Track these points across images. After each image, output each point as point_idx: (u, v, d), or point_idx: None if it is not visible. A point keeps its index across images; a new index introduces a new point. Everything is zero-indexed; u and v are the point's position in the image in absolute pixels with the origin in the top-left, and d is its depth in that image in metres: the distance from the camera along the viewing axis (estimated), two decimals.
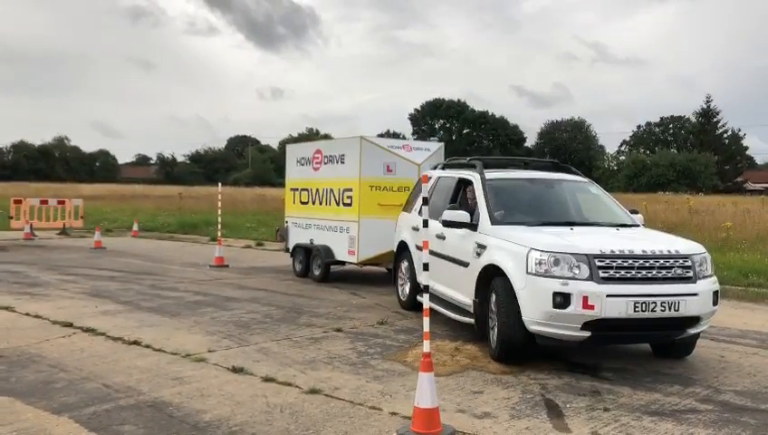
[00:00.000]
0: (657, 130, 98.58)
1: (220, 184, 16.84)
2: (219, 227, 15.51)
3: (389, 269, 12.71)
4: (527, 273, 6.20)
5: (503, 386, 5.90)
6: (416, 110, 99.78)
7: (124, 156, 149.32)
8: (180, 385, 5.72)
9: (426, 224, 4.83)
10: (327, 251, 12.06)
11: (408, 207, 9.98)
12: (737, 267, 12.97)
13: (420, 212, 9.37)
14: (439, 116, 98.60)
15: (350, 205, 11.56)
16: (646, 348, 7.35)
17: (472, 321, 7.24)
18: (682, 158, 73.55)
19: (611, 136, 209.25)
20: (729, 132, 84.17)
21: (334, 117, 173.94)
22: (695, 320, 6.26)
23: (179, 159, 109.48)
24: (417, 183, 10.21)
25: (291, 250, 13.36)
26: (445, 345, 7.16)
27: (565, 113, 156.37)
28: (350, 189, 11.54)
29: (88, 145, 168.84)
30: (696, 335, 6.69)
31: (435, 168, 10.05)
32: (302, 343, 7.32)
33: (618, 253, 6.12)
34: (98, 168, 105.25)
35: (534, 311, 6.12)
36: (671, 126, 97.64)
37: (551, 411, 5.24)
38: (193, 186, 64.41)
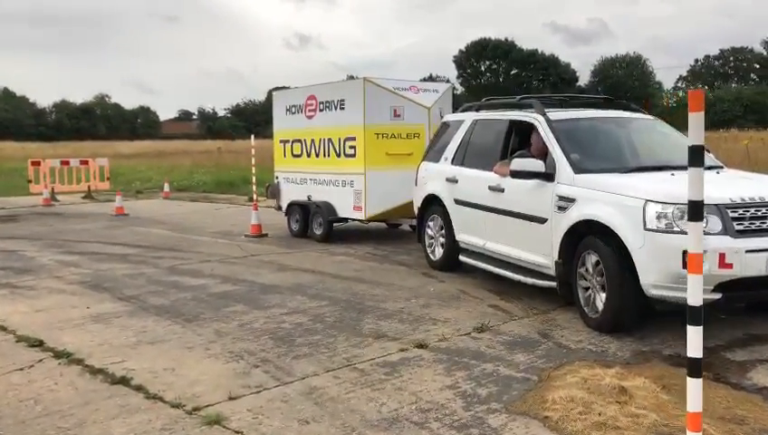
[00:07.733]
0: (717, 63, 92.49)
1: (253, 136, 14.30)
2: (254, 188, 13.05)
3: (391, 225, 11.70)
4: (645, 229, 5.36)
5: None
6: (460, 51, 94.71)
7: (167, 112, 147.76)
8: None
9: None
10: (328, 208, 10.83)
11: (434, 155, 8.81)
12: None
13: (460, 161, 8.05)
14: (485, 57, 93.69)
15: (353, 156, 10.35)
16: None
17: (550, 284, 6.47)
18: (749, 91, 68.42)
19: (659, 72, 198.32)
20: None
21: (372, 64, 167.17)
22: None
23: (220, 113, 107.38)
24: (442, 127, 9.03)
25: (285, 209, 12.04)
26: (597, 379, 4.55)
27: (606, 50, 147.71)
28: (353, 138, 10.32)
29: (128, 102, 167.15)
30: None
31: (464, 110, 8.91)
32: (371, 377, 4.79)
33: (749, 201, 5.35)
34: (139, 124, 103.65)
35: (657, 273, 5.29)
36: (731, 59, 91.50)
37: None
38: (235, 140, 62.21)
